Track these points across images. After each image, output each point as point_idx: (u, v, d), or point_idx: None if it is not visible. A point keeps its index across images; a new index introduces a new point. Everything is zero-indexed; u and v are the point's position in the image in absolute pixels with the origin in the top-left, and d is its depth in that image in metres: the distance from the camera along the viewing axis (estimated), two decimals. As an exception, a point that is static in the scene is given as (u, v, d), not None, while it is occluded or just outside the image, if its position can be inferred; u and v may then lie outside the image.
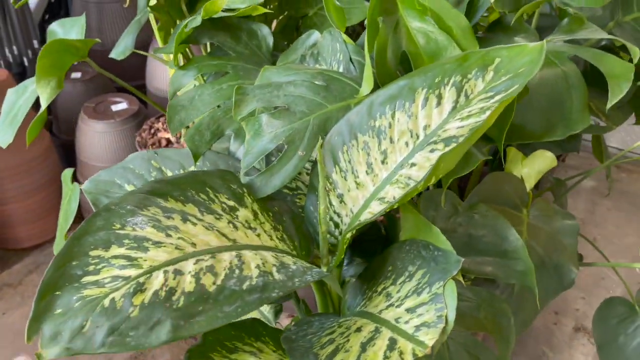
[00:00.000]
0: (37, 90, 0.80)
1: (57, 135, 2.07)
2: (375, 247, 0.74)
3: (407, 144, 0.65)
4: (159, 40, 1.23)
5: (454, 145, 0.56)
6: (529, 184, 0.78)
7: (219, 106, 0.86)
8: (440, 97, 0.64)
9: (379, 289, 0.64)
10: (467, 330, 0.64)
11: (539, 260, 0.73)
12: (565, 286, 0.73)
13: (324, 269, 0.67)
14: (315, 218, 0.72)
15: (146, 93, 2.07)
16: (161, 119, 1.61)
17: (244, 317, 0.77)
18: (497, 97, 0.58)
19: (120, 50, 1.09)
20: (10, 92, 0.93)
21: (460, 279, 0.55)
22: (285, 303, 0.97)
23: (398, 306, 0.59)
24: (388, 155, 0.66)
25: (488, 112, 0.58)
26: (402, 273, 0.62)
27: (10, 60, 2.02)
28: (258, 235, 0.65)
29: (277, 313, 0.97)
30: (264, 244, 0.64)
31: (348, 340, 0.57)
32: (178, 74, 0.90)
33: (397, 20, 0.76)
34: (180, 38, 0.89)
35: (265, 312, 0.98)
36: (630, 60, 0.97)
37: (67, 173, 1.00)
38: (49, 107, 2.28)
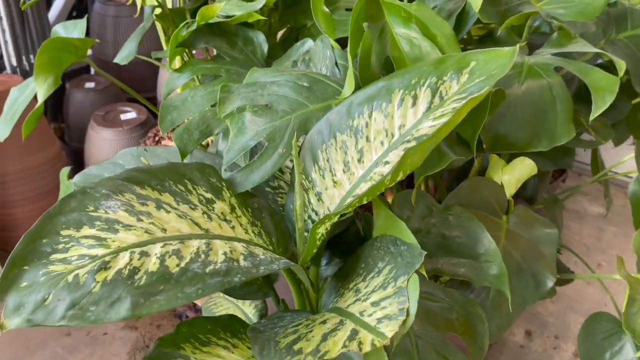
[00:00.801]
0: (35, 86, 0.83)
1: (68, 143, 2.11)
2: (354, 247, 0.75)
3: (382, 143, 0.66)
4: (165, 48, 1.26)
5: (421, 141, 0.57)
6: (509, 191, 0.78)
7: (212, 106, 0.88)
8: (415, 98, 0.65)
9: (351, 286, 0.65)
10: (437, 331, 0.64)
11: (516, 267, 0.73)
12: (542, 295, 0.72)
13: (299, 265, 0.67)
14: (294, 216, 0.73)
15: (156, 104, 2.12)
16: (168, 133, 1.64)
17: (222, 314, 0.78)
18: (469, 98, 0.59)
19: (124, 55, 1.13)
20: (14, 90, 0.96)
21: (424, 272, 0.55)
22: (271, 307, 0.97)
23: (364, 300, 0.59)
24: (364, 154, 0.67)
25: (462, 116, 0.59)
26: (372, 269, 0.62)
27: (27, 68, 2.08)
28: (232, 228, 0.66)
29: (261, 316, 0.97)
30: (238, 236, 0.65)
31: (311, 331, 0.57)
32: (173, 76, 0.93)
33: (382, 26, 0.78)
34: (176, 41, 0.92)
35: (250, 314, 0.98)
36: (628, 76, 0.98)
37: (64, 171, 1.03)
38: (61, 116, 2.33)
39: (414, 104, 0.65)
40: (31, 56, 2.09)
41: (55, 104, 2.20)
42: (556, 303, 1.80)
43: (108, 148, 1.80)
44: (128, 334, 1.65)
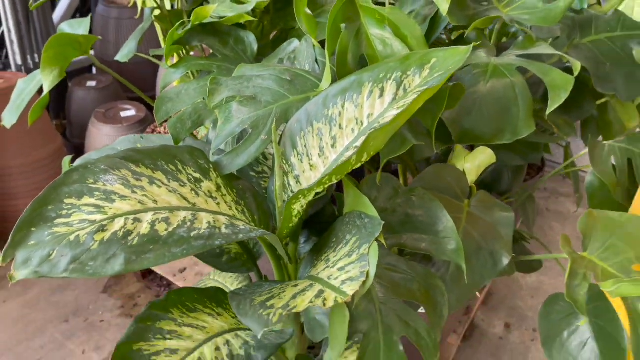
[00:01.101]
0: (42, 77, 0.91)
1: (69, 139, 2.19)
2: (329, 226, 0.82)
3: (353, 130, 0.73)
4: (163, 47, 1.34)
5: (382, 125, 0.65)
6: (471, 178, 0.85)
7: (204, 98, 0.96)
8: (382, 90, 0.72)
9: (323, 257, 0.72)
10: (400, 298, 0.71)
11: (475, 246, 0.80)
12: (499, 272, 0.79)
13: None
14: (275, 196, 0.80)
15: (155, 103, 2.19)
16: (164, 124, 1.72)
17: (209, 286, 0.85)
18: (424, 89, 0.67)
19: (125, 53, 1.21)
20: (20, 82, 1.04)
21: (383, 241, 0.63)
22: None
23: (332, 267, 0.67)
24: (337, 140, 0.74)
25: (420, 104, 0.67)
26: (341, 241, 0.70)
27: (32, 67, 2.16)
28: (218, 204, 0.73)
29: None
30: (222, 212, 0.72)
31: (284, 292, 0.65)
32: (169, 71, 1.01)
33: (358, 27, 0.86)
34: (172, 39, 1.00)
35: (236, 294, 1.05)
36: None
37: (66, 160, 1.10)
38: (63, 114, 2.41)
39: (381, 95, 0.72)
40: (35, 55, 2.17)
41: (58, 102, 2.28)
42: (536, 298, 1.88)
43: (108, 143, 1.88)
44: (124, 321, 1.73)
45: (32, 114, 0.96)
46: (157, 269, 1.74)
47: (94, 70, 2.55)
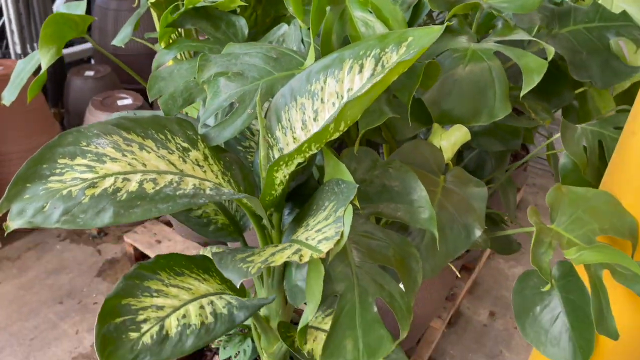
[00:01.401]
0: (39, 55, 0.95)
1: (67, 127, 2.23)
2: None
3: (334, 104, 0.77)
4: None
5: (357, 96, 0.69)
6: (447, 155, 0.89)
7: (195, 78, 1.00)
8: (362, 66, 0.77)
9: (303, 223, 0.76)
10: (375, 263, 0.75)
11: (450, 218, 0.84)
12: (472, 243, 0.83)
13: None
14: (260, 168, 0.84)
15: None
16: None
17: (196, 255, 0.89)
18: (397, 62, 0.71)
19: (121, 38, 1.25)
20: (20, 62, 1.08)
21: (357, 203, 0.67)
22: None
23: (310, 230, 0.71)
24: (319, 114, 0.79)
25: (394, 77, 0.71)
26: (321, 207, 0.74)
27: (31, 56, 2.20)
28: (204, 172, 0.77)
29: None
30: (208, 179, 0.76)
31: (264, 251, 0.69)
32: (162, 52, 1.05)
33: (342, 9, 0.90)
34: (165, 21, 1.04)
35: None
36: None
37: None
38: (61, 102, 2.45)
39: (360, 71, 0.77)
40: (35, 44, 2.21)
41: (56, 90, 2.32)
42: (520, 288, 1.91)
43: (104, 131, 1.92)
44: (117, 303, 1.75)
45: (30, 90, 1.00)
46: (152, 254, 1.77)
47: (92, 62, 2.59)
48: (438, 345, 1.65)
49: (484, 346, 1.67)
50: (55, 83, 2.30)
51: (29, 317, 1.68)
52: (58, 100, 2.34)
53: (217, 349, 1.19)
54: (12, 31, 2.30)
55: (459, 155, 1.39)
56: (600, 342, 0.96)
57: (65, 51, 2.54)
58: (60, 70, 2.33)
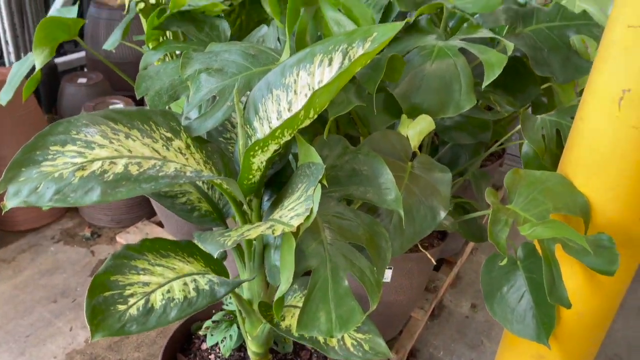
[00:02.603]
0: (34, 55, 1.01)
1: (60, 134, 2.29)
2: (288, 185, 0.92)
3: (306, 95, 0.84)
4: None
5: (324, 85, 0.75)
6: (413, 143, 0.96)
7: (180, 76, 1.06)
8: (331, 60, 0.83)
9: (279, 205, 0.83)
10: (346, 240, 0.81)
11: (417, 200, 0.90)
12: (438, 224, 0.90)
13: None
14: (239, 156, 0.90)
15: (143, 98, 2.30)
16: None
17: (181, 240, 0.95)
18: (360, 54, 0.78)
19: (111, 42, 1.32)
20: (15, 65, 1.15)
21: (325, 182, 0.73)
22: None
23: (284, 209, 0.77)
24: (292, 104, 0.85)
25: (358, 67, 0.77)
26: (295, 190, 0.80)
27: (25, 64, 2.26)
28: (186, 159, 0.83)
29: (222, 259, 1.14)
30: (190, 165, 0.82)
31: (241, 228, 0.75)
32: (149, 53, 1.11)
33: (316, 9, 0.97)
34: (152, 24, 1.11)
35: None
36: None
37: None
38: (55, 108, 2.51)
39: (329, 64, 0.83)
40: (29, 54, 2.27)
41: (50, 97, 2.38)
42: (501, 281, 1.97)
43: (97, 135, 1.98)
44: (109, 301, 1.80)
45: (25, 89, 1.06)
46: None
47: (85, 70, 2.66)
48: (421, 335, 1.70)
49: (465, 336, 1.73)
50: (49, 90, 2.36)
51: (24, 316, 1.73)
52: (52, 106, 2.40)
53: (205, 335, 1.25)
54: (6, 41, 2.37)
55: (435, 149, 1.46)
56: (563, 318, 1.03)
57: (59, 60, 2.61)
58: (54, 78, 2.40)
